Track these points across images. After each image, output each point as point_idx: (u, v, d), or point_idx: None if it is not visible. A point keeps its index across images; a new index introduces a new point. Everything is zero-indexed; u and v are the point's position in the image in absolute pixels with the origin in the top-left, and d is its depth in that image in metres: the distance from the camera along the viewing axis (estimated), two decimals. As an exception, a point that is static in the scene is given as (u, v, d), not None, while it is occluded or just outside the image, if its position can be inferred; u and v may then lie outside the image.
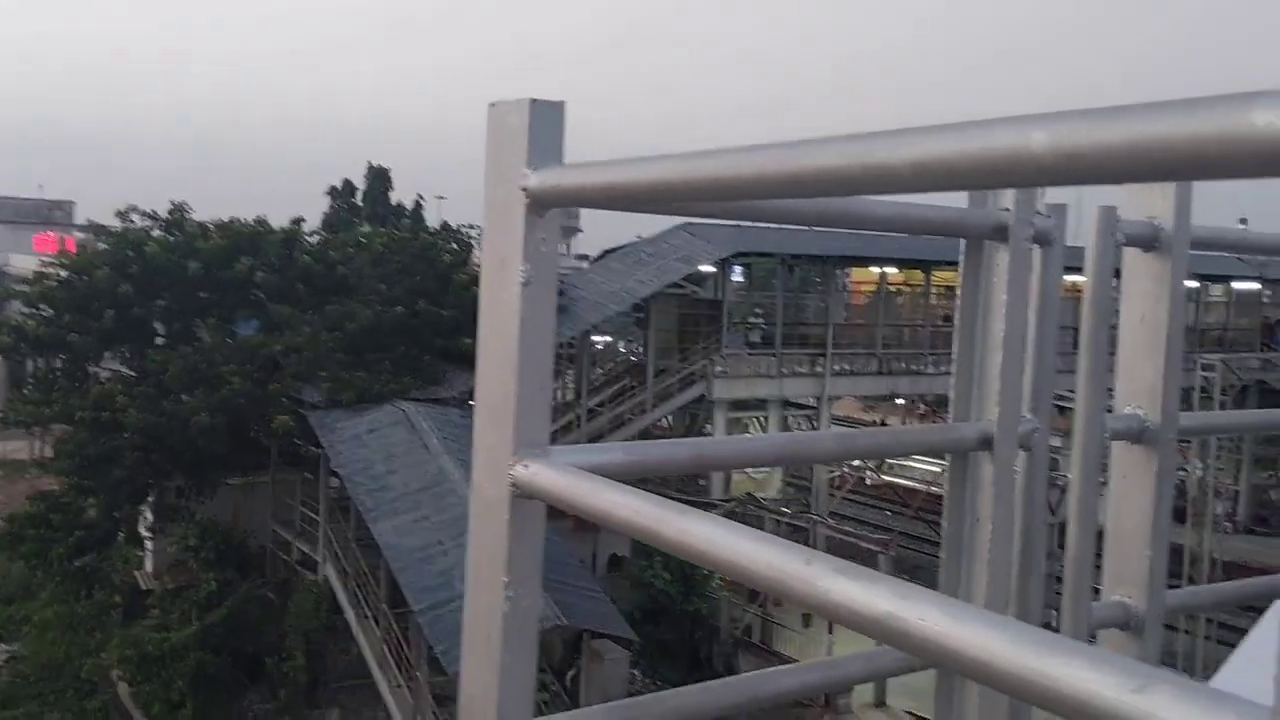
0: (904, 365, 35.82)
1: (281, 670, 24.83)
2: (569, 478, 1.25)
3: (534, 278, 1.28)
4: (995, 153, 0.76)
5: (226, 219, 30.69)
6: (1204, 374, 32.46)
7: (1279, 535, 35.95)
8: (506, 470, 1.29)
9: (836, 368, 33.91)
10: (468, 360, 27.47)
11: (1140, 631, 2.04)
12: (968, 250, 1.76)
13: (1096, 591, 2.09)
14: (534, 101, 1.26)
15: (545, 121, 1.26)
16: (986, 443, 1.84)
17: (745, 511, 30.03)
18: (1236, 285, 41.15)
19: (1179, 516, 29.29)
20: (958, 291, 1.81)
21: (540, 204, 1.27)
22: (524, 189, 1.26)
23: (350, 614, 25.00)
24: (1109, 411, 2.06)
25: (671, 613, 26.51)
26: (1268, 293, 44.02)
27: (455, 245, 32.06)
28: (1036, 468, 1.92)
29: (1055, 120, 0.73)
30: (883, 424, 49.81)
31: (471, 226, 32.97)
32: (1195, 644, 20.69)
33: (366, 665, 24.13)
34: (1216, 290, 41.30)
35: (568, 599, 20.21)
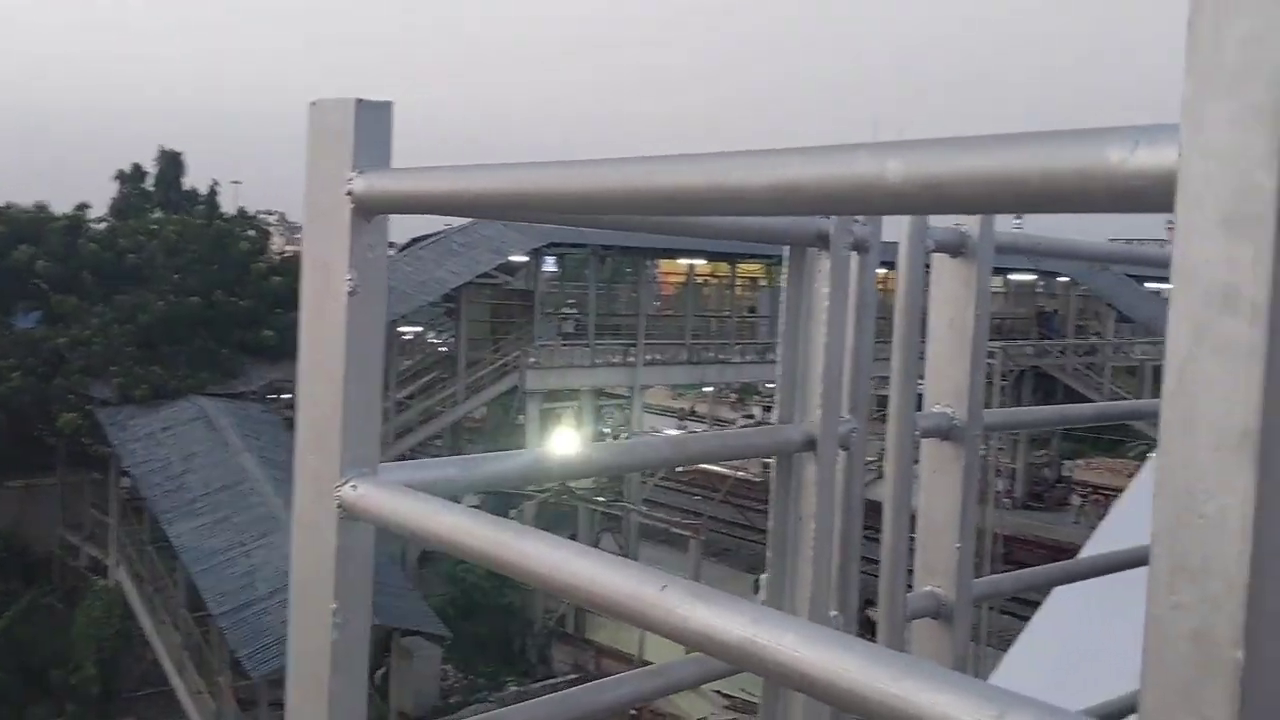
0: (713, 355, 36.67)
1: (70, 682, 23.28)
2: (400, 499, 1.19)
3: (361, 287, 1.22)
4: (852, 179, 0.76)
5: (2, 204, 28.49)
6: (986, 360, 34.50)
7: (1051, 510, 38.84)
8: (332, 491, 1.22)
9: (648, 358, 34.38)
10: (268, 353, 26.51)
11: (950, 620, 2.13)
12: (791, 257, 1.79)
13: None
14: (359, 101, 1.19)
15: (372, 122, 1.19)
16: (810, 444, 1.88)
17: (560, 501, 30.10)
18: (1013, 276, 44.08)
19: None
20: (781, 297, 1.84)
21: (367, 209, 1.20)
22: (349, 193, 1.19)
23: (146, 620, 23.69)
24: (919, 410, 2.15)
25: (484, 606, 26.30)
26: (1041, 283, 47.38)
27: (253, 232, 30.71)
28: (855, 466, 1.98)
29: (911, 149, 0.74)
30: (692, 411, 51.07)
31: (269, 213, 31.64)
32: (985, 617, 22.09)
33: (164, 672, 22.91)
34: (996, 281, 44.09)
35: (376, 597, 19.72)
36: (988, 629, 21.79)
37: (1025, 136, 0.68)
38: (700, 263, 38.23)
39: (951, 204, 0.73)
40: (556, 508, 30.72)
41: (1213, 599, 0.55)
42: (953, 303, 2.09)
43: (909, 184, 0.73)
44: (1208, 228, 0.56)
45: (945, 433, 2.13)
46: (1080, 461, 41.06)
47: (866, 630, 2.11)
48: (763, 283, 40.76)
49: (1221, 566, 0.55)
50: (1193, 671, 0.55)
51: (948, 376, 2.13)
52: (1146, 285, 40.55)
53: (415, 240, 31.66)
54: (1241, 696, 0.53)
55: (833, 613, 1.96)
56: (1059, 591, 3.87)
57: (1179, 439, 0.57)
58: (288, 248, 37.52)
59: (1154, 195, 0.61)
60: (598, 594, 0.93)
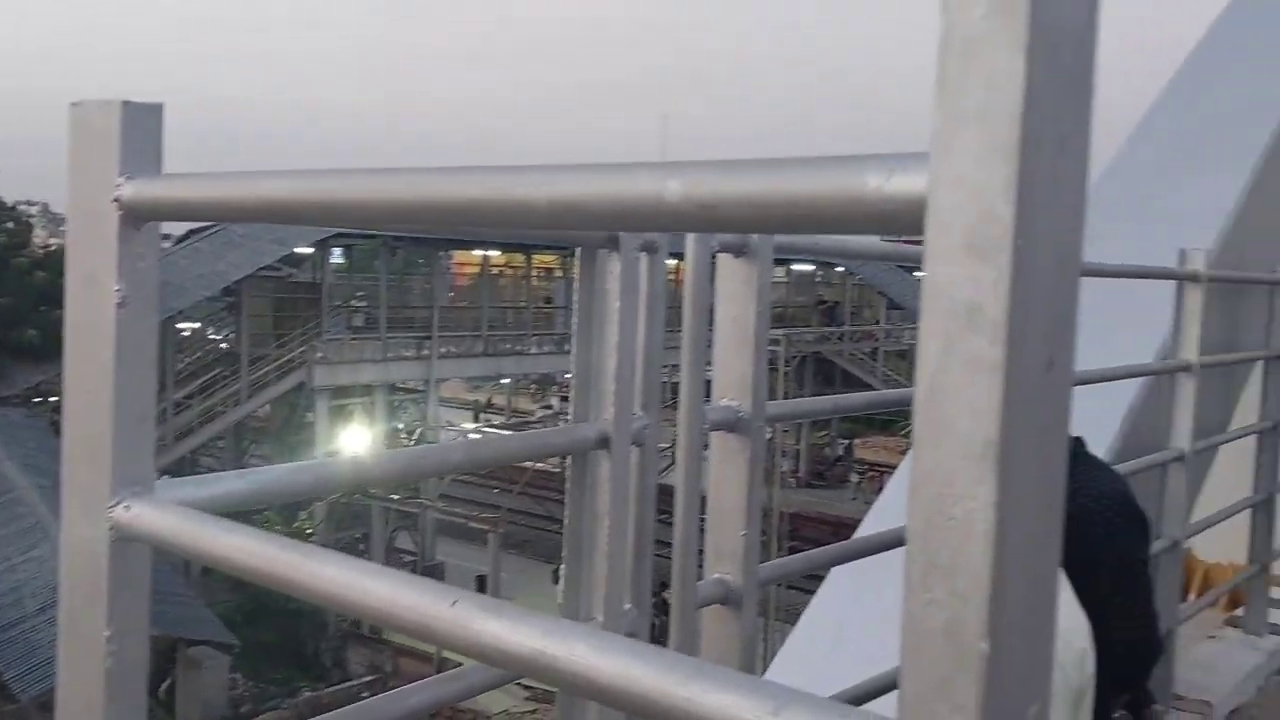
0: (509, 347, 36.49)
1: None
2: (178, 518, 1.14)
3: (131, 298, 1.15)
4: (632, 198, 0.78)
5: None
6: (770, 348, 35.78)
7: (833, 487, 40.79)
8: (104, 513, 1.16)
9: (443, 350, 33.88)
10: (32, 353, 24.58)
11: (739, 605, 2.22)
12: (583, 258, 1.82)
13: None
14: (126, 103, 1.13)
15: (141, 126, 1.13)
16: (604, 442, 1.92)
17: (353, 501, 29.26)
18: (795, 267, 45.92)
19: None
20: (574, 297, 1.86)
21: (136, 217, 1.14)
22: (117, 200, 1.13)
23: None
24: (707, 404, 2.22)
25: (274, 611, 25.30)
26: (820, 274, 49.54)
27: (12, 224, 28.39)
28: (648, 462, 2.02)
29: (690, 170, 0.76)
30: (490, 404, 50.73)
31: (30, 203, 29.34)
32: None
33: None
34: (779, 271, 45.86)
35: (158, 607, 18.69)
36: (779, 605, 22.68)
37: (794, 162, 0.72)
38: (495, 254, 37.97)
39: (727, 224, 0.76)
40: (348, 507, 29.88)
41: (962, 594, 0.60)
42: (736, 300, 2.17)
43: (687, 203, 0.75)
44: (954, 251, 0.61)
45: (732, 425, 2.21)
46: (859, 440, 43.29)
47: (664, 614, 2.17)
48: (559, 274, 40.89)
49: (969, 565, 0.60)
50: (946, 663, 0.60)
51: (733, 371, 2.21)
52: (916, 274, 43.08)
53: (193, 232, 30.05)
54: (987, 684, 0.59)
55: (627, 605, 2.01)
56: (837, 571, 4.08)
57: (930, 446, 0.62)
58: (52, 241, 34.88)
59: (907, 219, 0.65)
60: (389, 612, 0.92)
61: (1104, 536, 2.53)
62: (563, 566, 1.98)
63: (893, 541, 2.65)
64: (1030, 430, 0.62)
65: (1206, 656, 5.37)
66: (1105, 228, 6.29)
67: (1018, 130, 0.59)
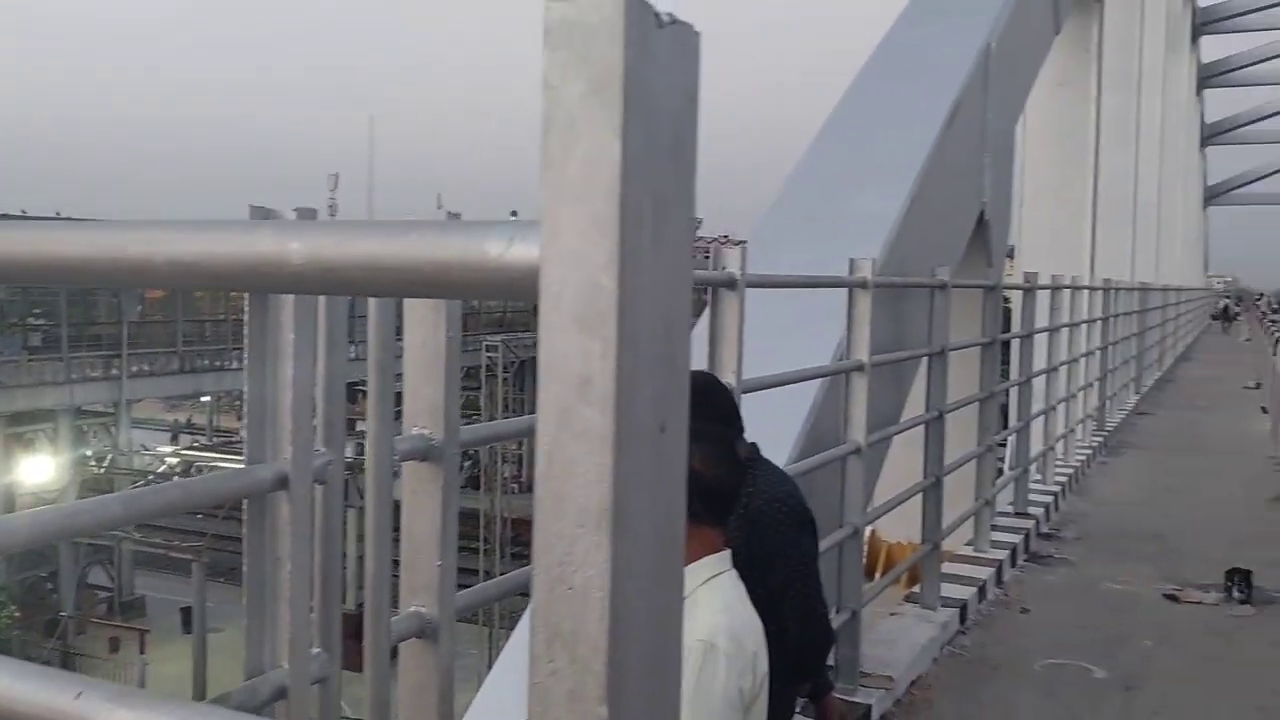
0: (208, 362, 34.38)
1: None
2: None
3: None
4: (254, 259, 0.75)
5: None
6: (488, 354, 35.77)
7: (557, 492, 41.17)
8: None
9: (135, 369, 31.44)
10: None
11: (436, 638, 2.18)
12: (251, 300, 1.72)
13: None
14: None
15: None
16: (282, 482, 1.83)
17: (31, 538, 26.54)
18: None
19: (474, 484, 32.12)
20: (245, 333, 1.76)
21: None
22: None
23: None
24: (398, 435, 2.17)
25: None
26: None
27: None
28: (333, 500, 1.95)
29: (312, 230, 0.74)
30: (189, 423, 47.55)
31: None
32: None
33: None
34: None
35: None
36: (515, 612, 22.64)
37: (420, 225, 0.71)
38: (188, 265, 35.53)
39: (351, 287, 0.74)
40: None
41: (582, 662, 0.61)
42: (423, 325, 2.14)
43: (311, 266, 0.73)
44: (565, 323, 0.62)
45: (423, 453, 2.17)
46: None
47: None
48: (260, 284, 38.80)
49: (588, 632, 0.61)
50: (568, 731, 0.61)
51: (423, 398, 2.17)
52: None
53: None
54: (605, 750, 0.60)
55: (315, 650, 1.93)
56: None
57: (550, 517, 0.63)
58: None
59: (526, 288, 0.66)
60: (8, 709, 0.83)
61: (778, 537, 2.69)
62: (244, 621, 1.87)
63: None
64: (645, 495, 0.64)
65: (888, 632, 5.83)
66: (788, 238, 6.73)
67: (616, 206, 0.61)
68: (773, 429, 5.09)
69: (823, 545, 4.70)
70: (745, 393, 3.93)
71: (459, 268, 0.68)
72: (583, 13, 0.61)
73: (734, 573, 2.29)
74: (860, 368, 5.03)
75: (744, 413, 3.93)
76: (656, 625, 0.65)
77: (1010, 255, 16.68)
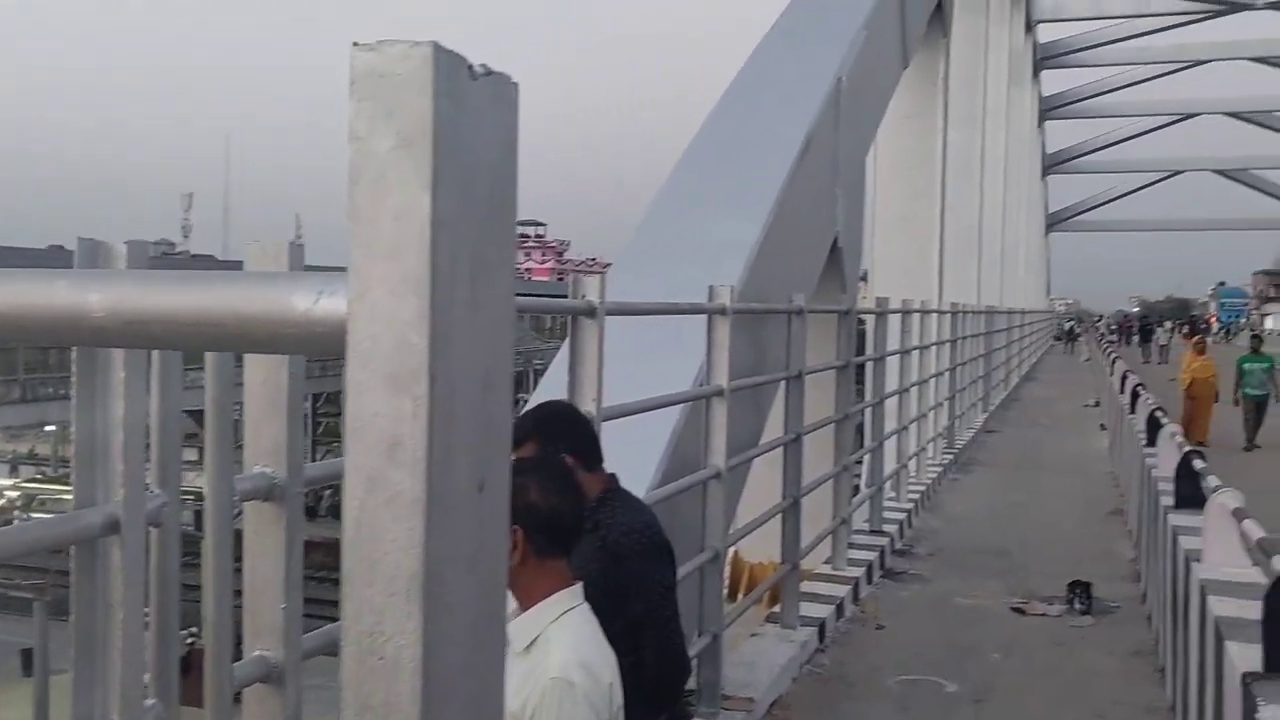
0: (51, 390, 32.64)
1: None
2: None
3: None
4: (53, 311, 0.70)
5: None
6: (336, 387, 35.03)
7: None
8: None
9: (-34, 398, 29.60)
10: None
11: (282, 682, 2.10)
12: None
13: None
14: None
15: None
16: (114, 526, 1.73)
17: None
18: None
19: (335, 512, 31.30)
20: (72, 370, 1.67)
21: None
22: None
23: None
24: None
25: None
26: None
27: None
28: (169, 544, 1.86)
29: (112, 281, 0.70)
30: (32, 453, 44.96)
31: None
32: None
33: None
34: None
35: None
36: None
37: (226, 277, 0.68)
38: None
39: (154, 341, 0.70)
40: None
41: (393, 735, 0.59)
42: (265, 362, 2.06)
43: (112, 319, 0.69)
44: (374, 382, 0.60)
45: (266, 493, 2.09)
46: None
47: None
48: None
49: (399, 704, 0.59)
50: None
51: (265, 436, 2.10)
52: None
53: None
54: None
55: (149, 701, 1.83)
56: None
57: (359, 585, 0.60)
58: None
59: (334, 344, 0.63)
60: None
61: (636, 568, 2.69)
62: (72, 673, 1.76)
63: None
64: (462, 560, 0.62)
65: (750, 654, 5.91)
66: (651, 265, 6.79)
67: (428, 261, 0.59)
68: (636, 455, 5.12)
69: (684, 569, 4.75)
70: (606, 420, 3.94)
71: (264, 322, 0.66)
72: (390, 63, 0.59)
73: (586, 607, 2.28)
74: (720, 393, 5.10)
75: (606, 440, 3.94)
76: (475, 695, 0.63)
77: (864, 280, 17.22)
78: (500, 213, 0.65)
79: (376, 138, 0.60)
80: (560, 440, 2.59)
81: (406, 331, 0.60)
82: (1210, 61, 42.11)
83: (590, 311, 3.83)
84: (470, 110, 0.62)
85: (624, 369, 5.47)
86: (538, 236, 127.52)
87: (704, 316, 5.10)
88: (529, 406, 3.25)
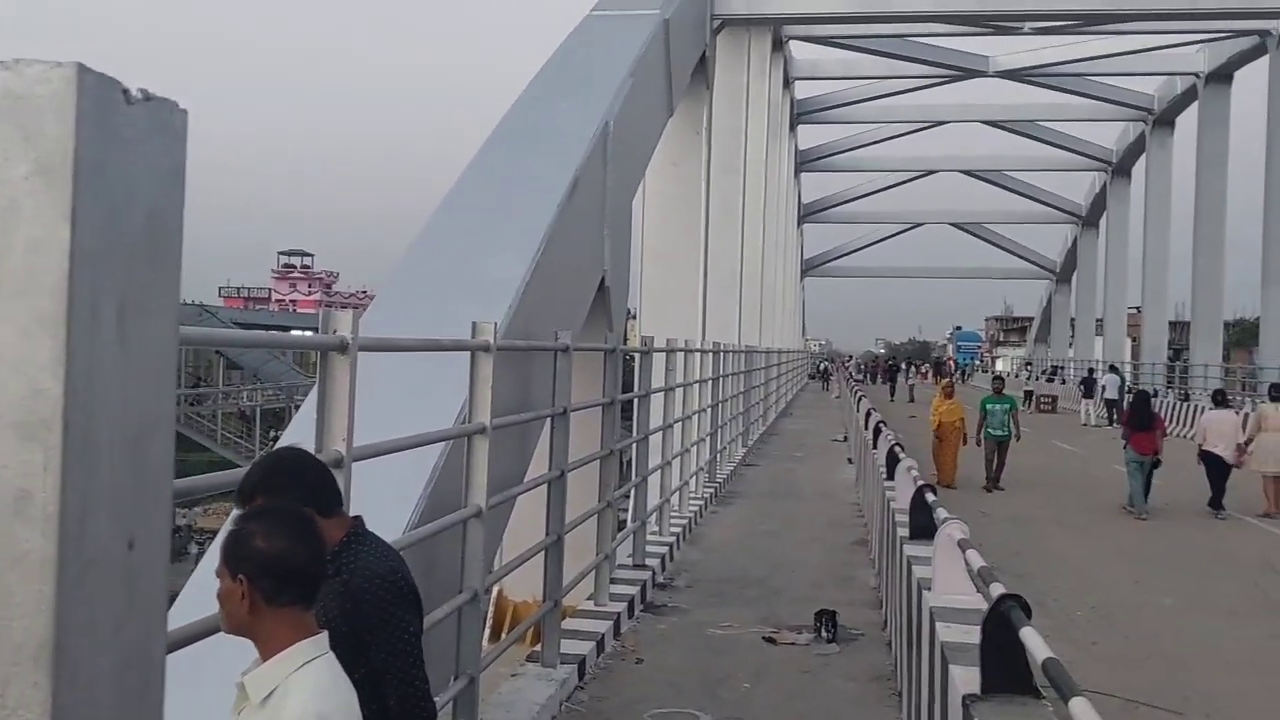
0: None
1: None
2: None
3: None
4: None
5: None
6: None
7: (175, 560, 37.83)
8: None
9: None
10: None
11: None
12: None
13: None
14: None
15: None
16: None
17: None
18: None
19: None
20: None
21: None
22: None
23: None
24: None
25: None
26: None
27: None
28: None
29: None
30: None
31: None
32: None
33: None
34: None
35: None
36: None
37: None
38: None
39: None
40: None
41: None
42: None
43: None
44: (1, 431, 0.55)
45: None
46: (202, 509, 40.89)
47: None
48: None
49: (20, 786, 0.53)
50: None
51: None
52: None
53: None
54: None
55: None
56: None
57: (-21, 656, 0.54)
58: None
59: None
60: None
61: (379, 615, 2.61)
62: None
63: (183, 640, 2.50)
64: (103, 624, 0.57)
65: (509, 694, 5.84)
66: (415, 301, 6.67)
67: (65, 299, 0.54)
68: (394, 495, 4.99)
69: (443, 610, 4.65)
70: (358, 460, 3.81)
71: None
72: (28, 84, 0.54)
73: (330, 656, 2.19)
74: (482, 430, 5.04)
75: (359, 481, 3.81)
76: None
77: (633, 318, 17.57)
78: (161, 247, 0.61)
79: (11, 164, 0.54)
80: (287, 490, 2.48)
81: (39, 375, 0.54)
82: (949, 123, 45.73)
83: (341, 347, 3.70)
84: (123, 138, 0.57)
85: (384, 406, 5.33)
86: (304, 268, 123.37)
87: (467, 353, 5.04)
88: (273, 449, 3.10)
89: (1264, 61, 29.93)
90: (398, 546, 4.51)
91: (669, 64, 12.21)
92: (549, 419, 6.60)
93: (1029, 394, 40.26)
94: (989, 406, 17.74)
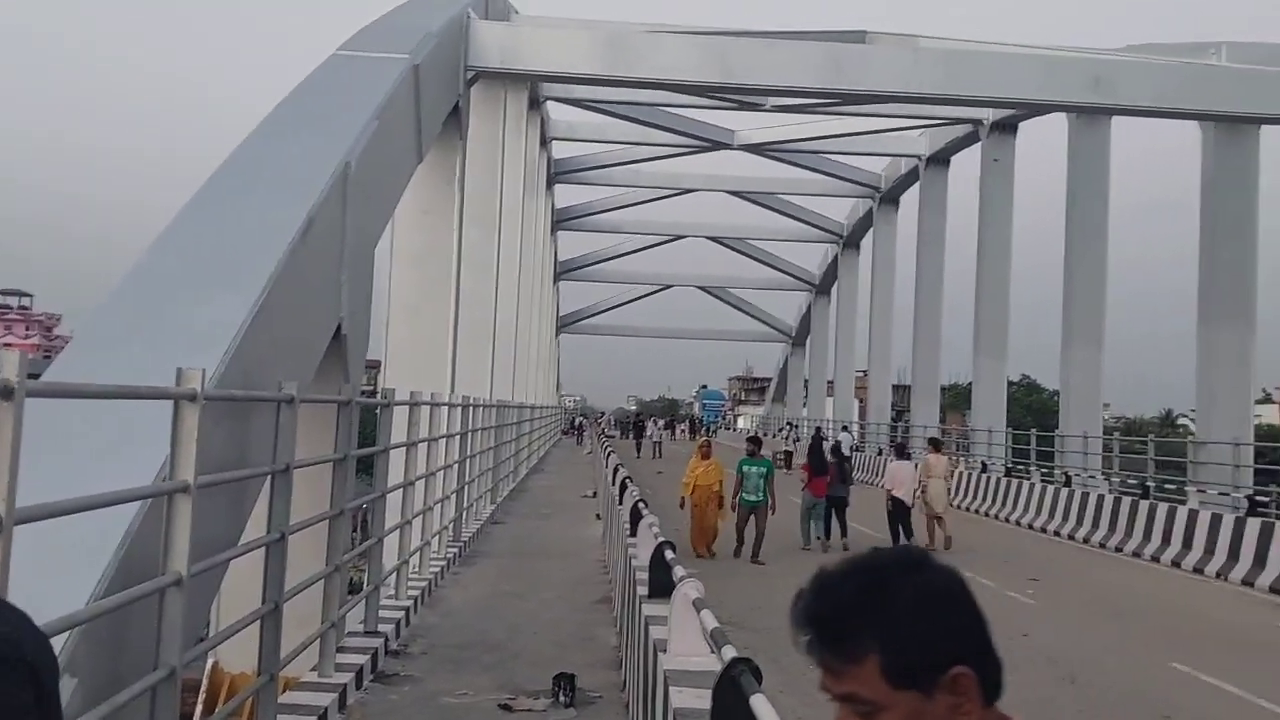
0: None
1: None
2: None
3: None
4: None
5: None
6: None
7: None
8: None
9: None
10: None
11: None
12: None
13: None
14: None
15: None
16: None
17: None
18: None
19: None
20: None
21: None
22: None
23: None
24: None
25: None
26: None
27: None
28: None
29: None
30: None
31: None
32: None
33: None
34: None
35: None
36: None
37: None
38: None
39: None
40: None
41: None
42: None
43: None
44: None
45: None
46: None
47: None
48: None
49: None
50: None
51: None
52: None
53: None
54: None
55: None
56: None
57: None
58: None
59: None
60: None
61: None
62: None
63: None
64: None
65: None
66: (117, 344, 6.05)
67: None
68: (79, 562, 4.41)
69: (134, 690, 4.13)
70: (25, 523, 3.32)
71: None
72: None
73: None
74: (185, 489, 4.55)
75: (31, 546, 3.32)
76: None
77: (378, 368, 16.96)
78: None
79: None
80: None
81: None
82: (697, 191, 47.58)
83: (5, 393, 3.21)
84: None
85: (71, 462, 4.75)
86: (22, 308, 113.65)
87: (169, 403, 4.55)
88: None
89: (977, 148, 32.92)
90: (79, 619, 4.00)
91: (419, 110, 11.93)
92: (269, 476, 6.11)
93: (788, 455, 36.83)
94: (744, 469, 16.58)
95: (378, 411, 9.12)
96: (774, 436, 52.56)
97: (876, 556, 1.36)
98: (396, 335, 15.44)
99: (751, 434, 26.90)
